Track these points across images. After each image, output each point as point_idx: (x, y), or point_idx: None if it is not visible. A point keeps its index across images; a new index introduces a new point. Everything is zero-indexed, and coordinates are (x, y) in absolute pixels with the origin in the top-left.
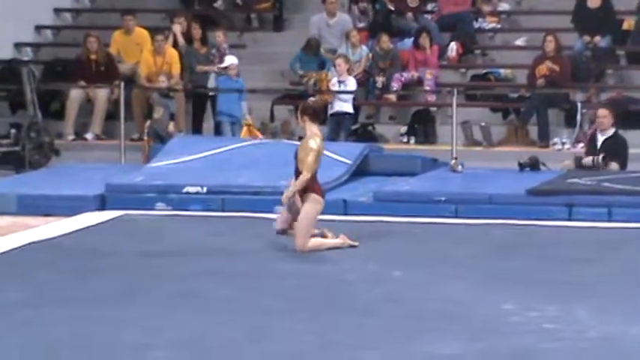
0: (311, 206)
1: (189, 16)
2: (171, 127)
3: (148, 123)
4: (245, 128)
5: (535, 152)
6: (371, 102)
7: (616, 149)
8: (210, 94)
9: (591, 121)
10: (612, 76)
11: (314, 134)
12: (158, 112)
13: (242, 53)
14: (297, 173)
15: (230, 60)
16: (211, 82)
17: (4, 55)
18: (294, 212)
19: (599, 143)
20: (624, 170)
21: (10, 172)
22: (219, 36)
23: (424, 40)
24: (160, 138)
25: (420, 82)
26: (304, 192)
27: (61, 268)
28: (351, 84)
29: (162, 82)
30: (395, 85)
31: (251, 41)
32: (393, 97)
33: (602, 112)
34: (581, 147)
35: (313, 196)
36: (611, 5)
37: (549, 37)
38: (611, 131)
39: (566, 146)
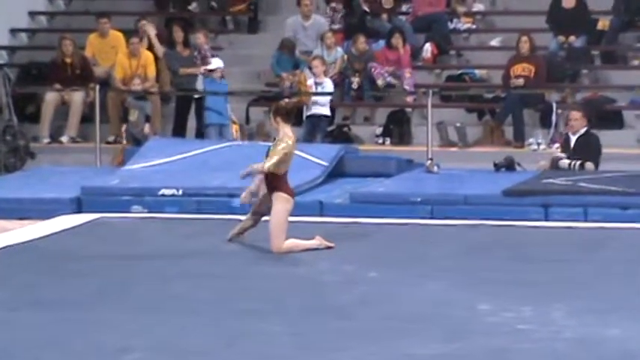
0: (281, 206)
1: (163, 19)
2: (146, 129)
3: (124, 127)
4: (235, 127)
5: (510, 152)
6: (347, 104)
7: (588, 147)
8: (195, 96)
9: (566, 121)
10: (587, 76)
11: (286, 135)
12: (133, 115)
13: (218, 55)
14: (266, 174)
15: (216, 63)
16: (199, 85)
17: None
18: (260, 212)
19: (572, 143)
20: (597, 169)
21: None
22: (199, 38)
23: (396, 40)
24: (136, 141)
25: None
26: (272, 191)
27: (38, 271)
28: (328, 86)
29: (137, 84)
30: (384, 75)
31: (226, 43)
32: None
33: (575, 114)
34: (556, 147)
35: (281, 195)
36: (585, 5)
37: (524, 38)
38: (582, 130)
39: (542, 146)
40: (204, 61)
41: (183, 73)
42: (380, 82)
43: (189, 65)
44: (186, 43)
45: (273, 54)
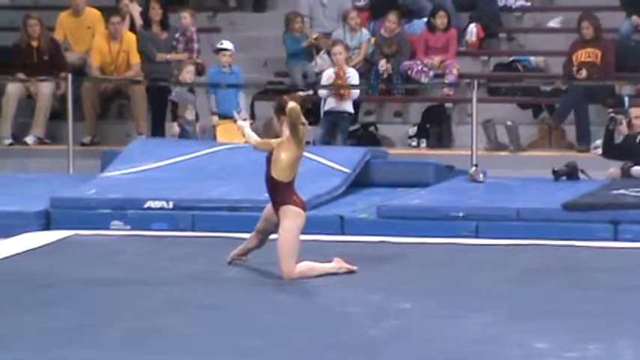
0: (290, 222)
1: None
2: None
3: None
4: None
5: (573, 158)
6: (374, 97)
7: None
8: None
9: (627, 121)
10: None
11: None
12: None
13: (215, 38)
14: (269, 181)
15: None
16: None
17: None
18: (266, 230)
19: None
20: None
21: None
22: (185, 17)
23: (440, 21)
24: None
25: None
26: (279, 205)
27: None
28: (353, 76)
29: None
30: (427, 70)
31: (226, 24)
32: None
33: (636, 110)
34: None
35: (291, 209)
36: None
37: (584, 23)
38: None
39: None
40: (189, 47)
41: (160, 60)
42: (424, 80)
43: (167, 50)
44: (164, 24)
45: (283, 36)
